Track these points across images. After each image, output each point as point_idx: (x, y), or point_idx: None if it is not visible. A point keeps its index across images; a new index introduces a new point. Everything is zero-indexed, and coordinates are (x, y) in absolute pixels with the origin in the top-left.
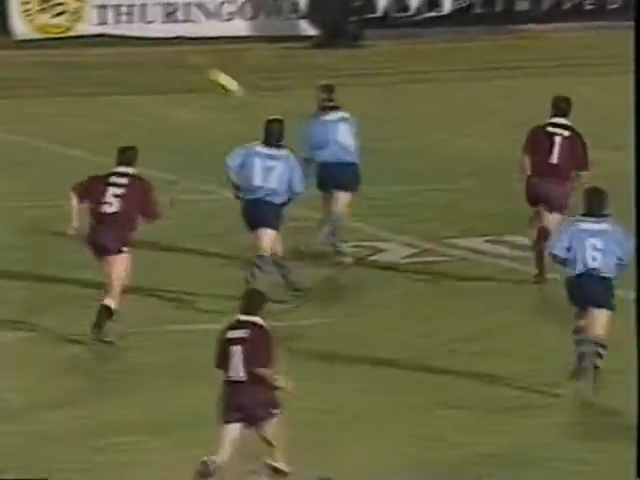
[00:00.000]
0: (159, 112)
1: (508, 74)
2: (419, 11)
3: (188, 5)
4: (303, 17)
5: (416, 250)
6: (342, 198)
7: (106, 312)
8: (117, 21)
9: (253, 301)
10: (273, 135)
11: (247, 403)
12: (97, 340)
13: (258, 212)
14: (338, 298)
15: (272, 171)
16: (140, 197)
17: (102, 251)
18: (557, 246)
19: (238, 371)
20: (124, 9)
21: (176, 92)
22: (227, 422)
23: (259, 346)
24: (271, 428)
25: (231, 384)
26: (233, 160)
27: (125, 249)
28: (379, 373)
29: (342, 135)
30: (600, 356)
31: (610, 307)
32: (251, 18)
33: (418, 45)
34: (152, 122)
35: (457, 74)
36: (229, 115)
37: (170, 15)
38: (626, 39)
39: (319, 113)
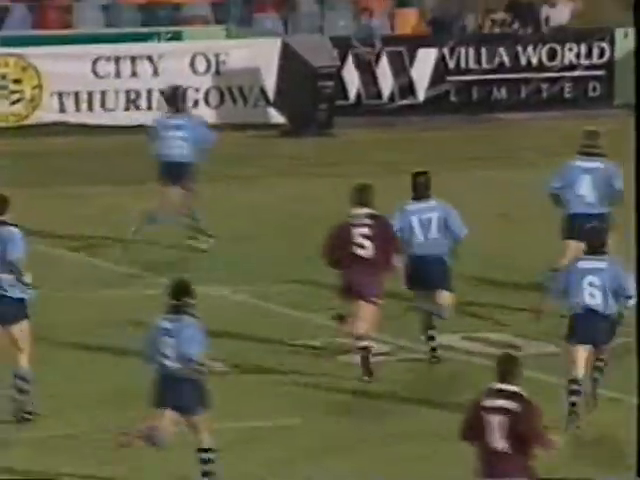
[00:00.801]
0: (120, 203)
1: (485, 165)
2: (392, 98)
3: (150, 92)
4: (271, 104)
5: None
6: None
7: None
8: (77, 109)
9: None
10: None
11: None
12: None
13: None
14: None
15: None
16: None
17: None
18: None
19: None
20: (84, 96)
21: (136, 183)
22: None
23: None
24: None
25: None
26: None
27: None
28: None
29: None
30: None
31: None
32: (217, 106)
33: (391, 134)
34: (114, 214)
35: (431, 164)
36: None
37: (132, 102)
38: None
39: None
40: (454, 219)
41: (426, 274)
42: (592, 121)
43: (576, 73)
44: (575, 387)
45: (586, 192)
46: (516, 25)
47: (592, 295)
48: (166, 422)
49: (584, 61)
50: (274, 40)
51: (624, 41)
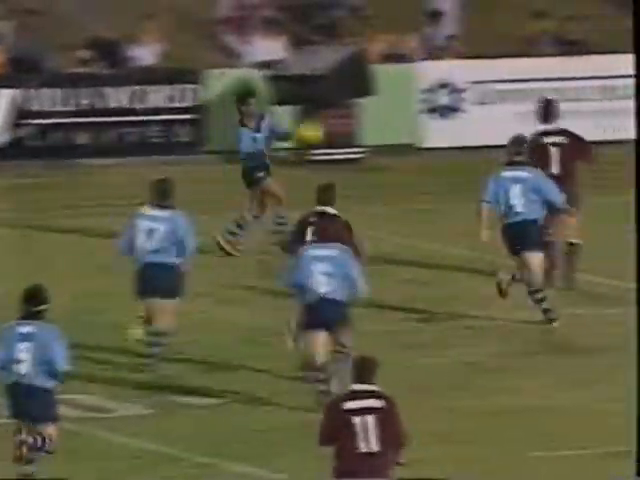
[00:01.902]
0: None
1: (66, 213)
2: None
3: None
4: None
5: None
6: None
7: None
8: None
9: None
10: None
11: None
12: None
13: None
14: None
15: None
16: None
17: None
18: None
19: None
20: None
21: None
22: None
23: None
24: None
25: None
26: None
27: None
28: None
29: None
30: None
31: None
32: None
33: None
34: None
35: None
36: None
37: None
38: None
39: None
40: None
41: None
42: (180, 168)
43: (163, 117)
44: (321, 376)
45: (516, 201)
46: (99, 65)
47: (323, 282)
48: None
49: (172, 104)
50: None
51: (216, 83)
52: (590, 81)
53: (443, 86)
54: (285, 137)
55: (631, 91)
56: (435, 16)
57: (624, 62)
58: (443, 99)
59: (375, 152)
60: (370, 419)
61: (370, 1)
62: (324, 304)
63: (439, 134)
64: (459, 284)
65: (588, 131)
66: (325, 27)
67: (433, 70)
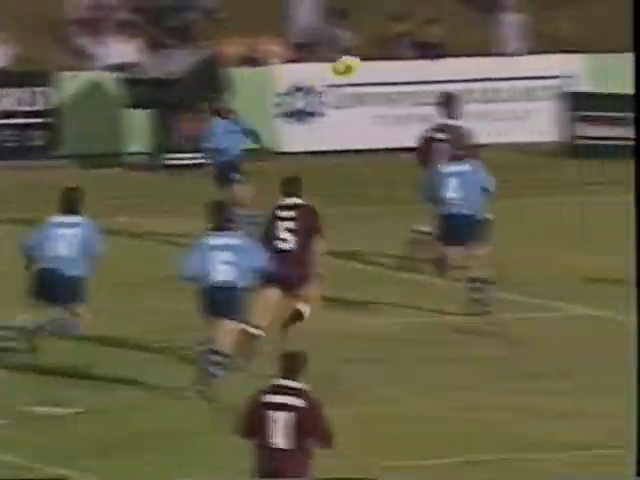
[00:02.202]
0: None
1: None
2: None
3: None
4: None
5: None
6: None
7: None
8: None
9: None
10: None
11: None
12: None
13: None
14: None
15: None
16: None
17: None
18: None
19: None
20: None
21: None
22: None
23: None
24: None
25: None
26: None
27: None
28: None
29: None
30: (219, 364)
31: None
32: None
33: None
34: None
35: None
36: None
37: None
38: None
39: None
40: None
41: None
42: (35, 172)
43: (17, 120)
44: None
45: (454, 194)
46: None
47: (223, 271)
48: None
49: (25, 107)
50: None
51: (69, 86)
52: (448, 85)
53: (299, 90)
54: (255, 137)
55: (490, 95)
56: (291, 19)
57: (483, 65)
58: (300, 103)
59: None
60: (285, 415)
61: (226, 4)
62: (221, 292)
63: (296, 138)
64: None
65: None
66: (179, 30)
67: (289, 73)
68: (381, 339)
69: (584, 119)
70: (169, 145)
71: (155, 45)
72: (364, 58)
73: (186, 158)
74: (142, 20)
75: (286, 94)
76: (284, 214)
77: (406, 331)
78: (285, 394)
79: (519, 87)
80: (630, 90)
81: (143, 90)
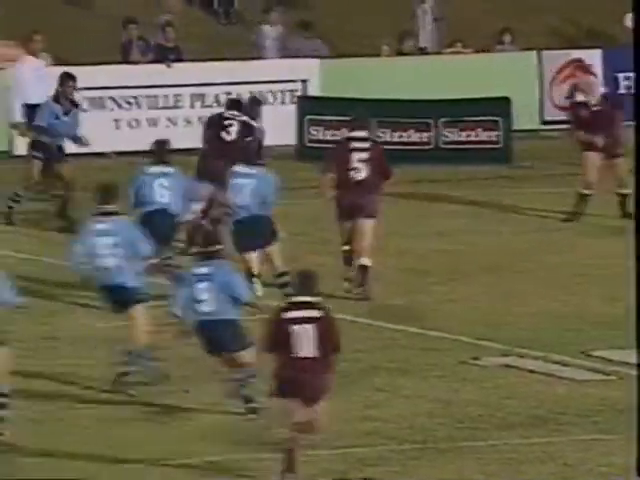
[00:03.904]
0: None
1: None
2: None
3: None
4: None
5: None
6: None
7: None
8: None
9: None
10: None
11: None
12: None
13: None
14: None
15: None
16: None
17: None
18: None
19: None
20: None
21: None
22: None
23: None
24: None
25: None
26: None
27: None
28: None
29: None
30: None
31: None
32: None
33: None
34: None
35: None
36: None
37: None
38: None
39: None
40: None
41: None
42: None
43: None
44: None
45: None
46: None
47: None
48: None
49: None
50: None
51: None
52: (184, 88)
53: None
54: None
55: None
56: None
57: (218, 70)
58: None
59: None
60: (309, 327)
61: None
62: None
63: None
64: None
65: (183, 138)
66: None
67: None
68: None
69: (314, 122)
70: None
71: None
72: (94, 63)
73: None
74: None
75: None
76: (358, 145)
77: None
78: (304, 308)
79: (255, 92)
80: (356, 94)
81: None
